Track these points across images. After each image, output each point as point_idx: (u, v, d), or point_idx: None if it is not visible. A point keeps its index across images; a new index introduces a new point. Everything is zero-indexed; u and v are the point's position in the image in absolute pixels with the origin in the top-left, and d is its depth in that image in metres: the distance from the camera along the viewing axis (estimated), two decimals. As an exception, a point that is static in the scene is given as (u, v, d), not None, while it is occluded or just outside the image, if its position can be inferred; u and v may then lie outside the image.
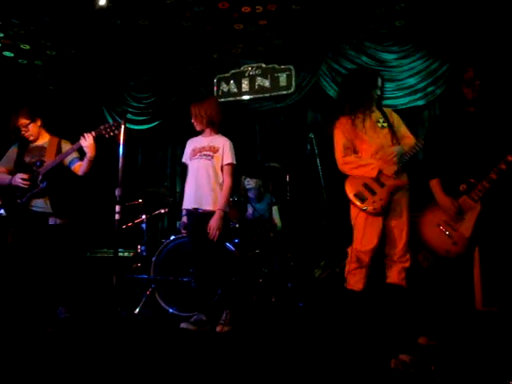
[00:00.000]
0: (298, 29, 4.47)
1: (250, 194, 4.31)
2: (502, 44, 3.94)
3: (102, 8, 3.65)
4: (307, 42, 4.72)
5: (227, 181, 2.98)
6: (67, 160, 3.15)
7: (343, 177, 2.68)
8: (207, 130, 3.08)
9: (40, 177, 3.04)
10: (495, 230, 2.40)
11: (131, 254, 4.13)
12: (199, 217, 2.96)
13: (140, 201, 4.23)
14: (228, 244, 3.50)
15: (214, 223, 2.87)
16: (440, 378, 1.99)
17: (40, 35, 4.48)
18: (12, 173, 3.11)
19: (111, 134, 2.93)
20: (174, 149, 5.49)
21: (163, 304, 3.51)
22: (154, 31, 4.47)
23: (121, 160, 2.59)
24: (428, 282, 2.59)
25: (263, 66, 4.97)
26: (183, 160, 3.19)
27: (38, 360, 2.33)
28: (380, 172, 2.53)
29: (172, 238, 3.65)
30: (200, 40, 4.69)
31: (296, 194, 4.09)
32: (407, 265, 2.53)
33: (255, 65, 5.00)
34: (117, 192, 2.54)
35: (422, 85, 4.37)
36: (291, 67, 4.86)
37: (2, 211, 3.09)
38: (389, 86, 4.31)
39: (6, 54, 4.83)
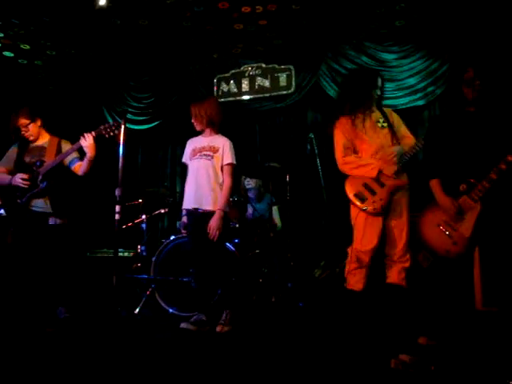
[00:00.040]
0: (298, 29, 4.47)
1: (250, 194, 4.31)
2: (501, 44, 3.94)
3: (101, 8, 3.65)
4: (307, 41, 4.71)
5: (227, 181, 2.98)
6: (67, 160, 3.15)
7: (343, 177, 2.68)
8: (207, 130, 3.08)
9: (40, 177, 3.04)
10: (495, 230, 2.40)
11: (131, 254, 4.13)
12: (199, 217, 2.96)
13: (140, 201, 4.23)
14: (228, 244, 3.50)
15: (214, 223, 2.87)
16: (440, 378, 1.99)
17: (40, 35, 4.48)
18: (12, 173, 3.11)
19: (111, 133, 2.93)
20: (174, 149, 5.49)
21: (163, 304, 3.51)
22: (154, 31, 4.47)
23: (121, 160, 2.59)
24: (428, 282, 2.59)
25: (263, 65, 4.97)
26: (183, 160, 3.19)
27: (38, 360, 2.33)
28: (380, 172, 2.53)
29: (172, 238, 3.65)
30: (200, 40, 4.69)
31: (296, 194, 4.09)
32: (407, 265, 2.53)
33: (255, 65, 5.00)
34: (117, 192, 2.54)
35: (422, 85, 4.37)
36: (291, 67, 4.86)
37: (2, 211, 3.09)
38: (389, 86, 4.31)
39: (6, 54, 4.83)
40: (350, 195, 2.60)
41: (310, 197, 4.53)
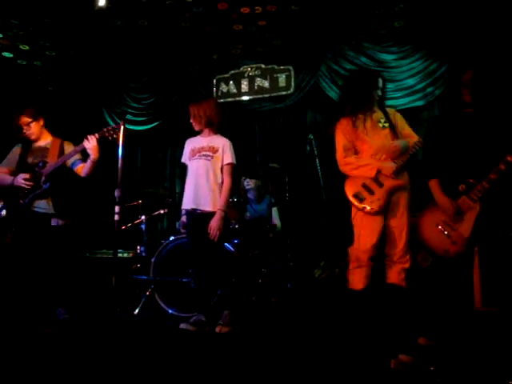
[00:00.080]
0: (298, 29, 4.47)
1: (250, 195, 4.31)
2: (500, 45, 3.94)
3: (101, 9, 3.65)
4: (306, 42, 4.72)
5: (227, 181, 2.98)
6: (70, 161, 3.15)
7: (342, 177, 2.68)
8: (206, 131, 3.09)
9: (43, 178, 3.03)
10: (494, 230, 2.41)
11: (131, 254, 4.12)
12: (198, 217, 2.96)
13: (139, 201, 4.23)
14: (227, 244, 3.50)
15: (214, 223, 2.87)
16: (439, 379, 1.99)
17: (39, 36, 4.48)
18: (14, 173, 3.09)
19: (114, 136, 2.90)
20: (174, 150, 5.49)
21: (163, 305, 3.50)
22: (154, 32, 4.47)
23: (120, 161, 2.59)
24: (427, 282, 2.59)
25: (262, 66, 4.97)
26: (182, 160, 3.19)
27: (38, 360, 2.33)
28: (379, 172, 2.53)
29: (171, 238, 3.65)
30: (199, 41, 4.69)
31: (295, 194, 4.09)
32: (407, 265, 2.52)
33: (254, 65, 5.00)
34: (116, 193, 2.54)
35: (421, 85, 4.38)
36: (290, 68, 4.86)
37: (4, 212, 3.08)
38: (388, 86, 4.26)
39: (5, 54, 4.82)
40: (349, 195, 2.60)
41: (310, 197, 4.53)
